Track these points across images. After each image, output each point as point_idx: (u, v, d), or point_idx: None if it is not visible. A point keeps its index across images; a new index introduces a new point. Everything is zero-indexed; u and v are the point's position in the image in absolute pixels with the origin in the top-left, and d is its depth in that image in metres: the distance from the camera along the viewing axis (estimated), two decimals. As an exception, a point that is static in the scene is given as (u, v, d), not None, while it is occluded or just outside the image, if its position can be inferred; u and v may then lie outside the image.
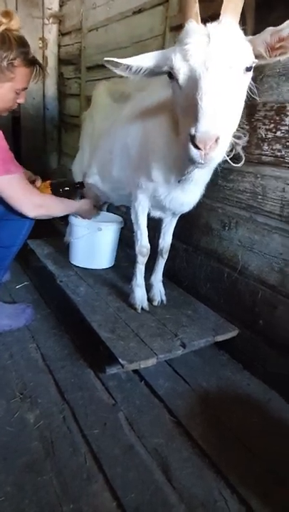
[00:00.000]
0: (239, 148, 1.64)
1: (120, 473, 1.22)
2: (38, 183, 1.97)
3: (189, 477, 1.22)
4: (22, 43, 1.51)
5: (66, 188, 2.02)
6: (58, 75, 3.67)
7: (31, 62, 1.56)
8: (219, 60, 1.01)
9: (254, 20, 1.43)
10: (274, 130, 1.55)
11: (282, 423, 1.45)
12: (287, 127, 1.50)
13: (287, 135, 1.50)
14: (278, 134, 1.54)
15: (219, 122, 1.01)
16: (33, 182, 1.93)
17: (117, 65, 1.18)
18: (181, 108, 1.12)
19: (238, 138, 1.65)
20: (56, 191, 1.95)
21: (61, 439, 1.33)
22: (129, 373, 1.65)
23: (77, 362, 1.72)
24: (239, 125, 1.67)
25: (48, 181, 1.99)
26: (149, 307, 1.87)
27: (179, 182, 1.47)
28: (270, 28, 1.07)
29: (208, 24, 1.06)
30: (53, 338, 1.88)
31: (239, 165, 1.41)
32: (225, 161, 1.45)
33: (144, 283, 1.86)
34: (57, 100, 3.71)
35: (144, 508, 1.12)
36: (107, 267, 2.26)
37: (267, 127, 1.58)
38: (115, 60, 1.16)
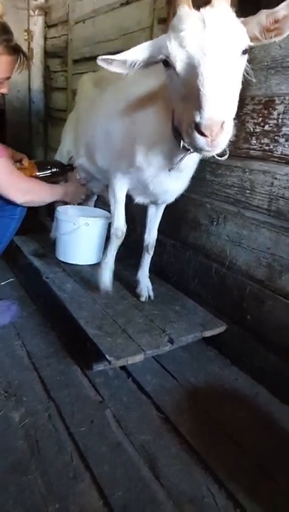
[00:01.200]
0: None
1: (107, 471, 1.20)
2: (26, 161, 1.93)
3: (177, 473, 1.21)
4: (4, 30, 1.46)
5: (55, 170, 1.99)
6: (44, 68, 3.59)
7: (14, 50, 1.52)
8: (217, 44, 0.99)
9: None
10: (262, 124, 1.55)
11: (270, 417, 1.46)
12: (275, 121, 1.49)
13: (275, 129, 1.50)
14: (266, 127, 1.53)
15: (223, 107, 0.99)
16: (19, 161, 1.90)
17: (111, 62, 1.15)
18: (180, 96, 1.10)
19: None
20: (44, 170, 1.92)
21: (47, 438, 1.30)
22: (117, 370, 1.63)
23: (64, 359, 1.69)
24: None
25: (35, 161, 1.96)
26: (137, 303, 1.85)
27: (169, 171, 1.44)
28: (265, 10, 1.07)
29: (202, 9, 1.04)
30: (39, 336, 1.85)
31: (223, 158, 1.41)
32: (220, 158, 1.45)
33: (113, 265, 1.83)
34: (43, 93, 3.64)
35: (131, 505, 1.11)
36: (95, 262, 2.23)
37: (255, 121, 1.57)
38: (109, 57, 1.13)
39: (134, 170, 1.57)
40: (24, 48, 3.44)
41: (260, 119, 1.55)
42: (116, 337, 1.57)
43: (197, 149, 1.07)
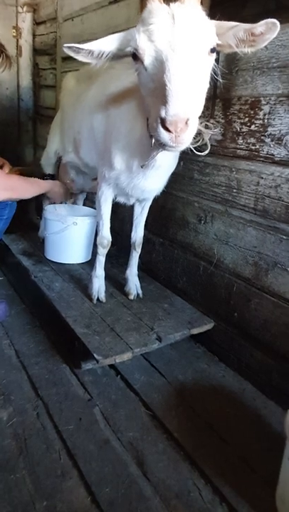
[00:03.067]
0: (207, 138, 1.64)
1: (95, 468, 1.21)
2: (6, 169, 1.93)
3: (164, 469, 1.23)
4: None
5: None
6: (32, 66, 3.56)
7: None
8: (185, 41, 1.00)
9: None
10: (248, 124, 1.56)
11: (256, 413, 1.48)
12: (261, 121, 1.51)
13: (261, 129, 1.52)
14: (253, 127, 1.55)
15: (188, 104, 1.00)
16: (0, 167, 1.89)
17: (78, 50, 1.14)
18: (148, 90, 1.10)
19: (207, 127, 1.66)
20: None
21: (35, 436, 1.30)
22: (106, 368, 1.64)
23: (52, 358, 1.69)
24: (213, 117, 1.69)
25: (17, 168, 1.95)
26: (126, 301, 1.86)
27: (142, 167, 1.45)
28: (244, 25, 1.09)
29: (172, 4, 1.05)
30: (27, 334, 1.84)
31: (203, 154, 1.43)
32: (199, 153, 1.47)
33: (103, 274, 1.86)
34: (32, 91, 3.61)
35: (118, 501, 1.12)
36: (84, 261, 2.23)
37: (242, 121, 1.59)
38: (76, 45, 1.13)
39: (114, 172, 1.58)
40: (12, 44, 3.43)
41: (247, 119, 1.57)
42: (104, 335, 1.57)
43: (162, 144, 1.07)
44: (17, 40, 3.49)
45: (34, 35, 3.51)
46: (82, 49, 1.14)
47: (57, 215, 2.13)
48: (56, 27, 3.05)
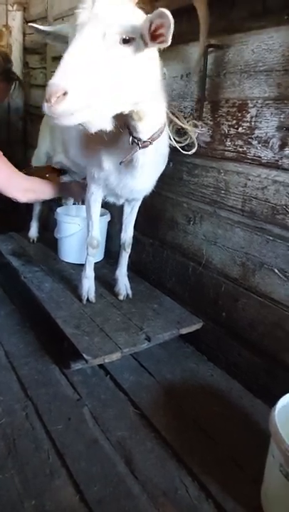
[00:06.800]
0: (194, 136, 1.68)
1: (84, 468, 1.22)
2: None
3: (152, 468, 1.24)
4: (7, 60, 1.48)
5: (48, 175, 1.98)
6: (22, 65, 3.55)
7: (12, 79, 1.54)
8: (95, 23, 1.03)
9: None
10: (236, 126, 1.59)
11: (243, 411, 1.50)
12: (248, 124, 1.53)
13: (248, 131, 1.54)
14: (240, 130, 1.57)
15: (71, 79, 1.00)
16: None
17: (38, 30, 1.24)
18: None
19: (195, 126, 1.69)
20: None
21: (24, 436, 1.31)
22: (95, 368, 1.65)
23: (42, 358, 1.69)
24: (201, 119, 1.71)
25: (30, 170, 1.96)
26: (115, 301, 1.87)
27: (120, 164, 1.47)
28: (147, 16, 1.08)
29: None
30: (17, 335, 1.85)
31: (190, 153, 1.43)
32: (185, 152, 1.47)
33: (93, 275, 1.87)
34: (22, 90, 3.59)
35: (107, 500, 1.13)
36: (99, 260, 2.22)
37: (230, 123, 1.61)
38: (37, 26, 1.24)
39: (103, 173, 1.59)
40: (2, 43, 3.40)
41: (235, 121, 1.59)
42: (93, 336, 1.58)
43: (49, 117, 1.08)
44: (7, 39, 3.46)
45: (24, 34, 3.49)
46: (43, 30, 1.23)
47: (71, 218, 2.16)
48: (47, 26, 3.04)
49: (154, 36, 1.08)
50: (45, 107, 1.01)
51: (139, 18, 1.10)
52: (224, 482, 1.21)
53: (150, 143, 1.40)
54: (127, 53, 1.09)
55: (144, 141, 1.38)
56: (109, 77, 1.08)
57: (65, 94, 0.98)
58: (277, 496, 1.08)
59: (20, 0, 3.39)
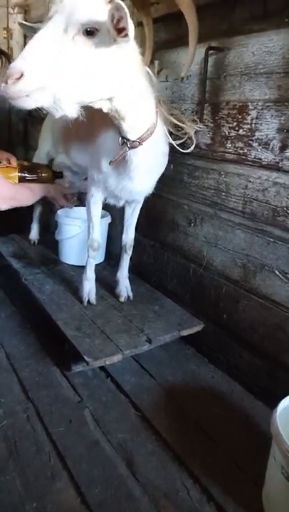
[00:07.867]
0: (192, 132, 1.69)
1: (85, 470, 1.22)
2: (14, 162, 1.92)
3: (153, 470, 1.24)
4: (9, 61, 1.48)
5: (44, 175, 1.98)
6: (23, 67, 3.56)
7: None
8: (60, 14, 1.07)
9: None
10: (237, 128, 1.59)
11: (244, 413, 1.50)
12: (249, 126, 1.54)
13: (249, 133, 1.54)
14: (241, 132, 1.57)
15: (29, 62, 1.04)
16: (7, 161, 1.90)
17: (24, 26, 1.34)
18: None
19: (193, 121, 1.70)
20: (31, 173, 1.91)
21: (25, 439, 1.31)
22: (96, 370, 1.65)
23: (43, 360, 1.70)
24: (202, 121, 1.72)
25: (27, 162, 1.96)
26: (116, 303, 1.88)
27: (110, 164, 1.47)
28: (109, 9, 1.07)
29: None
30: (18, 337, 1.85)
31: (188, 151, 1.43)
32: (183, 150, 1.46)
33: (94, 277, 1.87)
34: (23, 92, 3.60)
35: (108, 502, 1.13)
36: (100, 261, 2.22)
37: (230, 125, 1.62)
38: (24, 22, 1.34)
39: (102, 175, 1.60)
40: (3, 45, 3.41)
41: (235, 123, 1.59)
42: (94, 338, 1.59)
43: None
44: (8, 42, 3.48)
45: (25, 37, 3.50)
46: (29, 26, 1.30)
47: (72, 220, 2.16)
48: (47, 29, 3.05)
49: (119, 30, 1.08)
50: (2, 87, 1.05)
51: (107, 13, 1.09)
52: (225, 484, 1.20)
53: (139, 143, 1.39)
54: (90, 44, 1.11)
55: (133, 141, 1.38)
56: (69, 65, 1.09)
57: (21, 76, 1.03)
58: (279, 499, 1.08)
59: (21, 3, 3.40)
